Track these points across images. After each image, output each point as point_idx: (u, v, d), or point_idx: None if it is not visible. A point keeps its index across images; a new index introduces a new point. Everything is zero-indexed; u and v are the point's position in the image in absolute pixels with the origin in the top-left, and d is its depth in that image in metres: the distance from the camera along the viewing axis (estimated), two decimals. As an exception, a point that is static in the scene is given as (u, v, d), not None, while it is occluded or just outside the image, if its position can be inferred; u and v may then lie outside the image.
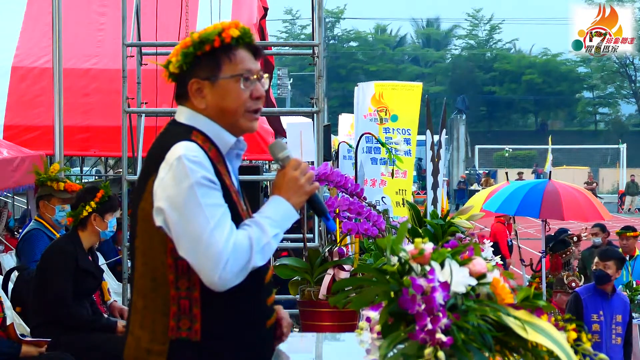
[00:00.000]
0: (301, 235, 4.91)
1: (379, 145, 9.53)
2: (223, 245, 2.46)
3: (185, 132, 2.61)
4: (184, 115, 2.67)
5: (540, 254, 9.49)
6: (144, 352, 2.58)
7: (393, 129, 10.32)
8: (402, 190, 10.40)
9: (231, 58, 2.63)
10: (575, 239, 10.04)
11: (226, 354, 2.58)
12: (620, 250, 9.65)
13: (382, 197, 9.98)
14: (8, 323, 5.50)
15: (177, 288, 2.54)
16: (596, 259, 7.61)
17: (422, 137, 10.21)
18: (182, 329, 2.54)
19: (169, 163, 2.52)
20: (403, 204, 9.76)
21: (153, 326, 2.57)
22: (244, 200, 2.73)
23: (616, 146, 47.55)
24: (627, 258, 9.61)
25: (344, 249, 4.10)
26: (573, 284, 8.17)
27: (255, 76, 2.67)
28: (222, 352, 2.57)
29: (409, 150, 10.53)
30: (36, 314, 5.59)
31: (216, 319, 2.56)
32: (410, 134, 10.49)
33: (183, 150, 2.53)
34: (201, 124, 2.64)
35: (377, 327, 2.14)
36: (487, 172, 41.98)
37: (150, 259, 2.58)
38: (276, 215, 2.60)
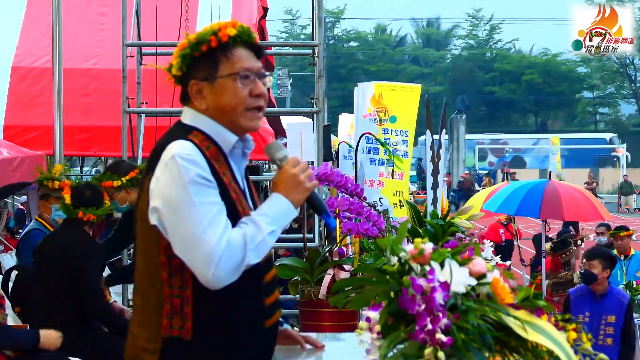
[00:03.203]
0: (301, 235, 4.91)
1: (377, 146, 9.53)
2: (216, 243, 2.46)
3: (185, 132, 2.62)
4: (188, 116, 2.69)
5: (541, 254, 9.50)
6: (140, 351, 2.60)
7: (391, 130, 10.31)
8: (399, 191, 10.38)
9: (228, 57, 2.64)
10: (579, 242, 10.06)
11: (217, 353, 2.58)
12: (615, 250, 9.66)
13: (380, 198, 9.97)
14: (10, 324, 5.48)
15: (171, 286, 2.56)
16: (584, 259, 7.61)
17: (423, 138, 10.21)
18: (175, 327, 2.55)
19: (164, 162, 2.54)
20: (400, 206, 9.76)
21: (149, 325, 2.59)
22: (252, 199, 2.72)
23: (616, 146, 47.54)
24: (622, 258, 9.61)
25: (344, 249, 4.10)
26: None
27: (255, 74, 2.66)
28: (213, 351, 2.57)
29: (406, 152, 10.52)
30: (53, 311, 5.34)
31: (208, 318, 2.56)
32: (407, 136, 10.48)
33: (177, 149, 2.54)
34: (202, 123, 2.65)
35: (377, 327, 2.14)
36: (487, 172, 42.00)
37: (147, 258, 2.60)
38: (273, 212, 2.59)
